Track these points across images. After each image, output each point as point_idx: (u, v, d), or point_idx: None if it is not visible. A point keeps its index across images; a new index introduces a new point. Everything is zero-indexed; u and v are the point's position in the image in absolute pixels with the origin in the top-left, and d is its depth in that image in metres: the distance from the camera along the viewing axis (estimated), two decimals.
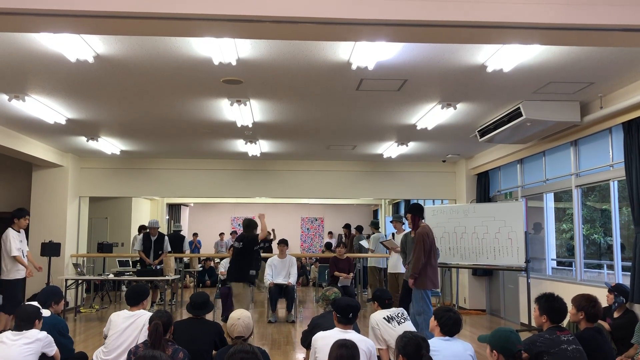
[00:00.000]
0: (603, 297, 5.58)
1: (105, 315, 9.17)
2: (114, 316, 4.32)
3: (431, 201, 12.08)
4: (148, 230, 10.01)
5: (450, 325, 3.49)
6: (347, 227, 14.30)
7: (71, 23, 3.25)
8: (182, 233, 11.80)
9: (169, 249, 10.08)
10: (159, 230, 9.98)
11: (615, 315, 5.59)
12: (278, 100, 6.43)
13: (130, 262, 11.28)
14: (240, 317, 3.63)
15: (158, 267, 9.66)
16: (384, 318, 4.62)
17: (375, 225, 11.24)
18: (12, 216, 7.21)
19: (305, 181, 10.97)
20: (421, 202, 12.47)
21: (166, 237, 10.05)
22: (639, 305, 5.63)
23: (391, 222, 9.29)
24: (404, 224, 9.11)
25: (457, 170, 10.98)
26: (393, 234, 9.19)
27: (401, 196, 12.27)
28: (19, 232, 7.22)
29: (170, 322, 3.69)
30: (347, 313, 3.84)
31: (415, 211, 6.63)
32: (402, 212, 14.96)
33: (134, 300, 4.40)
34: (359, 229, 13.38)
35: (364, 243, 11.83)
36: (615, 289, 5.60)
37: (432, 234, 6.58)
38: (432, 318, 3.60)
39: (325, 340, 3.62)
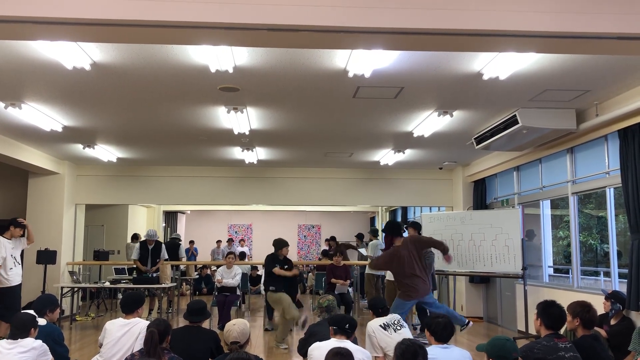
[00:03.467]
0: (600, 305, 5.58)
1: (101, 324, 9.11)
2: (109, 324, 4.29)
3: (428, 208, 12.09)
4: (145, 240, 9.97)
5: (441, 331, 3.50)
6: (332, 239, 14.35)
7: (68, 31, 3.26)
8: (179, 242, 11.75)
9: (166, 257, 10.02)
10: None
11: (612, 322, 5.59)
12: (275, 107, 6.44)
13: (127, 270, 11.24)
14: (236, 323, 3.64)
15: (154, 274, 9.61)
16: (380, 326, 4.61)
17: (374, 233, 11.24)
18: (8, 224, 7.18)
19: (302, 188, 10.96)
20: (396, 219, 12.49)
21: (163, 245, 10.01)
22: (636, 313, 5.63)
23: (383, 231, 9.29)
24: (404, 231, 9.11)
25: (453, 177, 10.99)
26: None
27: (398, 203, 12.28)
28: (19, 239, 7.20)
29: (167, 330, 3.66)
30: (344, 324, 3.85)
31: (390, 231, 6.75)
32: (399, 219, 14.97)
33: (129, 308, 4.38)
34: (360, 237, 13.34)
35: (362, 251, 11.81)
36: (612, 296, 5.60)
37: (405, 249, 6.62)
38: (425, 330, 3.63)
39: (320, 350, 3.61)
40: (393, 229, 6.79)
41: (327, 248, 16.64)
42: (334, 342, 3.72)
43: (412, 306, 6.88)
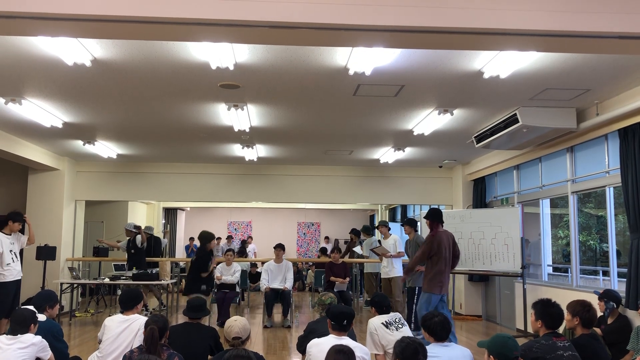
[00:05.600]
0: (596, 305, 5.58)
1: (100, 320, 9.12)
2: (108, 321, 4.30)
3: (427, 206, 12.09)
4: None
5: (439, 330, 3.50)
6: (353, 231, 14.25)
7: (69, 27, 3.25)
8: (159, 236, 11.65)
9: (145, 242, 10.00)
10: (134, 231, 9.96)
11: (609, 321, 5.60)
12: (275, 105, 6.44)
13: (126, 266, 11.22)
14: (238, 319, 3.66)
15: (154, 271, 9.61)
16: (382, 323, 4.61)
17: (366, 230, 11.22)
18: (6, 219, 7.14)
19: (302, 186, 10.97)
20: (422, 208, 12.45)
21: (138, 236, 9.97)
22: (633, 312, 5.64)
23: (376, 227, 9.31)
24: (390, 229, 9.16)
25: (453, 175, 10.99)
26: (379, 240, 9.20)
27: (398, 201, 12.28)
28: (18, 235, 7.20)
29: (166, 327, 3.67)
30: (342, 320, 3.84)
31: (433, 217, 6.72)
32: (398, 217, 14.98)
33: (128, 304, 4.39)
34: (357, 234, 13.31)
35: (357, 249, 11.83)
36: (605, 295, 5.61)
37: (447, 240, 6.63)
38: (423, 330, 3.61)
39: (319, 347, 3.61)
40: (437, 215, 6.78)
41: (325, 246, 16.67)
42: (333, 339, 3.72)
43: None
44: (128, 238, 10.05)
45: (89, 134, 8.11)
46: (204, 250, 8.41)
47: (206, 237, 8.49)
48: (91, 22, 3.16)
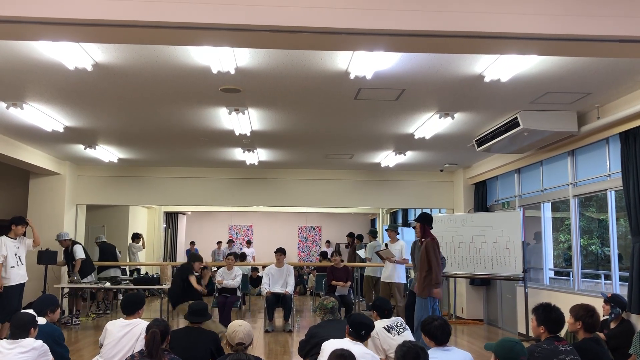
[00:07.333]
0: (599, 308, 5.57)
1: (101, 324, 9.11)
2: (109, 325, 4.29)
3: (429, 210, 12.08)
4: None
5: (439, 334, 3.49)
6: (350, 235, 14.32)
7: (70, 31, 3.26)
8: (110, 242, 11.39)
9: (81, 256, 9.52)
10: (70, 239, 9.68)
11: (612, 326, 5.58)
12: (276, 109, 6.44)
13: (128, 271, 11.21)
14: (242, 324, 3.65)
15: (76, 277, 9.45)
16: (384, 327, 4.60)
17: (373, 234, 11.23)
18: (10, 223, 7.27)
19: (303, 190, 10.97)
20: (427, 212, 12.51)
21: (76, 246, 9.57)
22: (636, 316, 5.63)
23: (386, 230, 9.29)
24: (398, 233, 9.13)
25: (454, 179, 10.99)
26: (386, 244, 9.19)
27: (399, 205, 12.28)
28: (22, 238, 7.35)
29: (167, 331, 3.67)
30: (360, 330, 3.84)
31: (424, 220, 6.67)
32: (400, 221, 14.97)
33: (130, 309, 4.38)
34: (360, 237, 13.36)
35: (361, 253, 11.82)
36: (612, 300, 5.59)
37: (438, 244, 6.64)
38: (422, 335, 3.60)
39: (334, 346, 3.61)
40: (427, 218, 6.75)
41: (326, 250, 16.66)
42: (349, 343, 3.72)
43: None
44: (64, 248, 9.66)
45: (90, 138, 8.12)
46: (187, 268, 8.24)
47: (194, 257, 8.45)
48: (93, 26, 3.17)
